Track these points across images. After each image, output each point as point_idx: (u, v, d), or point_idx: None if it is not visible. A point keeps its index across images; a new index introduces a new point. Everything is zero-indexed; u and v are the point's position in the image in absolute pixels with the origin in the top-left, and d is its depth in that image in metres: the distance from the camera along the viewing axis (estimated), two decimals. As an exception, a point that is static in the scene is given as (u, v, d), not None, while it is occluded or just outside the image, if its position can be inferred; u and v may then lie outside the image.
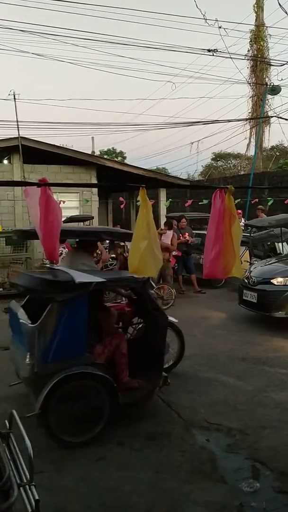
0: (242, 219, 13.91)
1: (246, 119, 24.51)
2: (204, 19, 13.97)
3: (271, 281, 7.76)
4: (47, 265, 10.05)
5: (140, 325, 5.19)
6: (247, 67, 25.56)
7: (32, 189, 3.61)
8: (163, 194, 17.65)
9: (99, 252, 10.30)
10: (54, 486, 3.29)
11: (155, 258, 3.83)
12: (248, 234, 11.38)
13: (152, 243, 3.76)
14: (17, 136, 14.56)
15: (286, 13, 10.39)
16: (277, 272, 7.96)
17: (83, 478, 3.41)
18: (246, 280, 8.19)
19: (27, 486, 1.94)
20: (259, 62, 24.78)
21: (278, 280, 7.73)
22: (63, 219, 14.19)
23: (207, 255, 3.92)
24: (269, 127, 26.02)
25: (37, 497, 1.87)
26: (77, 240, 5.88)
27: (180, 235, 10.65)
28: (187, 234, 10.79)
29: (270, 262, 8.84)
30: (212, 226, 3.83)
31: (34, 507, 1.84)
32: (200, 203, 14.57)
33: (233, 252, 3.91)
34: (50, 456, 3.69)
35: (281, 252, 10.81)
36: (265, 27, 25.11)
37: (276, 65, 22.56)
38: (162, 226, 10.53)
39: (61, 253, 7.43)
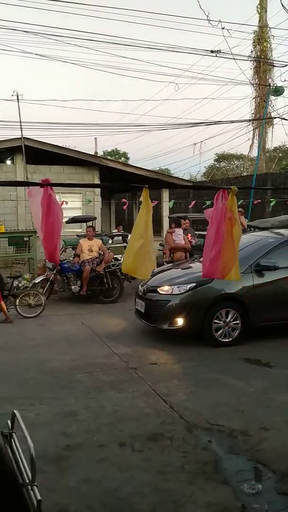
0: (247, 220, 13.91)
1: (249, 120, 24.48)
2: (207, 20, 13.96)
3: (158, 289, 7.08)
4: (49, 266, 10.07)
5: None
6: (250, 68, 25.53)
7: (35, 190, 3.62)
8: (165, 195, 17.64)
9: (102, 252, 10.32)
10: (56, 486, 3.29)
11: (149, 260, 3.84)
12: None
13: (148, 244, 3.76)
14: (20, 136, 14.59)
15: (289, 14, 10.34)
16: (164, 280, 7.29)
17: (85, 479, 3.41)
18: (140, 288, 7.66)
19: (29, 486, 1.94)
20: (262, 63, 24.75)
21: (164, 289, 7.03)
22: (65, 219, 14.24)
23: (206, 254, 3.92)
24: (272, 128, 25.97)
25: (39, 497, 1.87)
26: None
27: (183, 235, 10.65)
28: (189, 235, 10.79)
29: (167, 268, 8.31)
30: (213, 226, 3.83)
31: (36, 507, 1.84)
32: (203, 206, 14.58)
33: (234, 253, 3.91)
34: (52, 456, 3.70)
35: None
36: (268, 28, 25.09)
37: (280, 66, 22.50)
38: (168, 227, 10.54)
39: None
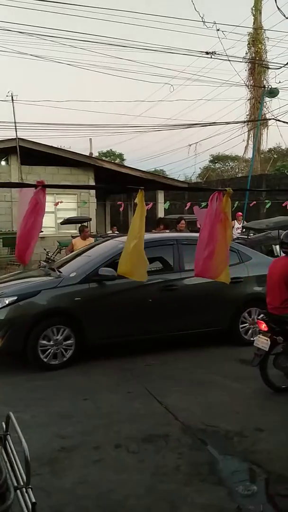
0: (242, 221, 13.96)
1: (244, 122, 24.60)
2: (202, 21, 14.00)
3: None
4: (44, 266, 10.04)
5: None
6: (245, 70, 25.68)
7: (27, 189, 3.62)
8: (161, 196, 17.68)
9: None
10: (51, 488, 3.28)
11: (143, 260, 3.84)
12: (246, 236, 11.41)
13: (141, 243, 3.78)
14: (15, 137, 14.57)
15: (284, 16, 10.39)
16: None
17: (80, 481, 3.40)
18: None
19: (23, 489, 1.93)
20: (257, 65, 24.86)
21: None
22: (60, 220, 14.17)
23: (199, 254, 3.93)
24: (267, 129, 26.17)
25: (33, 500, 1.86)
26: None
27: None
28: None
29: (6, 278, 7.39)
30: (206, 226, 3.85)
31: (31, 510, 1.83)
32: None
33: (226, 255, 3.93)
34: (47, 458, 3.69)
35: (278, 254, 10.82)
36: (263, 30, 25.21)
37: (274, 68, 22.65)
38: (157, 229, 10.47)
39: None
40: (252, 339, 6.66)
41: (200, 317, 6.55)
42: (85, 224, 11.77)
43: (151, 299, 6.29)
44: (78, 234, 11.31)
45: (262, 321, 5.07)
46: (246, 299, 6.81)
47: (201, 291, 6.46)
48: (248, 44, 25.41)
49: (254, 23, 25.47)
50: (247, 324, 6.80)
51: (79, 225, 13.16)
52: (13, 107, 15.60)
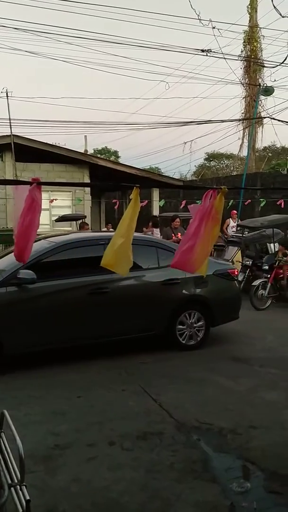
0: (237, 219, 13.98)
1: (239, 120, 24.63)
2: (198, 19, 14.03)
3: None
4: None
5: None
6: (241, 68, 25.71)
7: (23, 186, 3.61)
8: (156, 194, 17.68)
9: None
10: (45, 486, 3.28)
11: (127, 258, 3.87)
12: (240, 235, 11.44)
13: (128, 243, 3.79)
14: (10, 134, 14.51)
15: (280, 14, 10.44)
16: None
17: (74, 478, 3.40)
18: None
19: (18, 486, 1.93)
20: (253, 63, 24.89)
21: None
22: (54, 218, 14.10)
23: (180, 247, 3.97)
24: (262, 127, 26.22)
25: (28, 498, 1.86)
26: None
27: (173, 234, 10.69)
28: (179, 234, 10.82)
29: None
30: (195, 222, 3.87)
31: (25, 507, 1.84)
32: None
33: (207, 250, 3.98)
34: (41, 456, 3.68)
35: (273, 252, 10.85)
36: (258, 28, 25.22)
37: (269, 66, 22.62)
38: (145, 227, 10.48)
39: None
40: (189, 343, 6.49)
41: (133, 322, 6.18)
42: (84, 220, 11.77)
43: (78, 303, 5.85)
44: (73, 232, 11.31)
45: None
46: (183, 301, 6.48)
47: (134, 294, 6.17)
48: (244, 42, 25.45)
49: (249, 21, 25.49)
50: (184, 328, 6.43)
51: (74, 222, 13.17)
52: (8, 104, 15.57)
